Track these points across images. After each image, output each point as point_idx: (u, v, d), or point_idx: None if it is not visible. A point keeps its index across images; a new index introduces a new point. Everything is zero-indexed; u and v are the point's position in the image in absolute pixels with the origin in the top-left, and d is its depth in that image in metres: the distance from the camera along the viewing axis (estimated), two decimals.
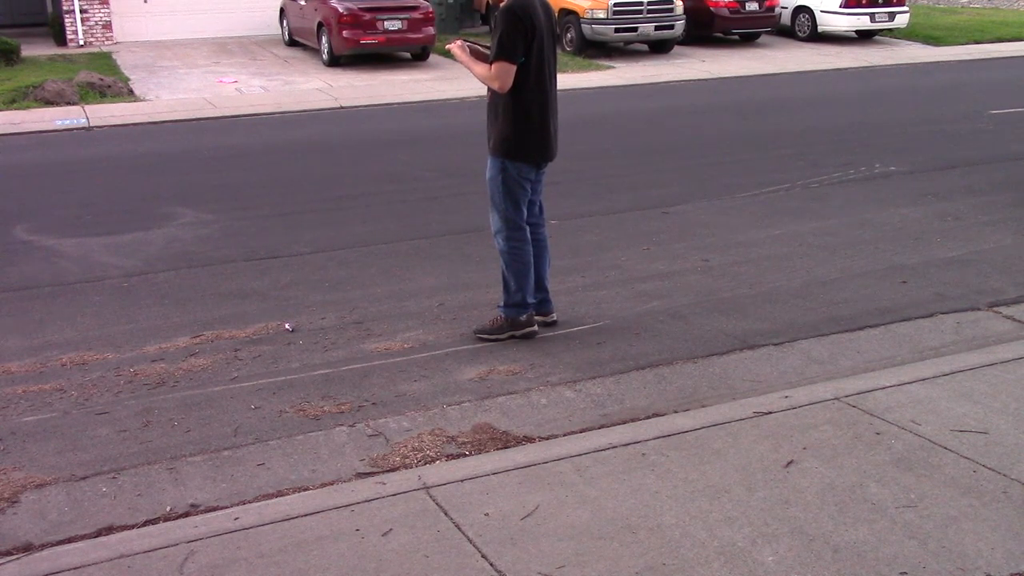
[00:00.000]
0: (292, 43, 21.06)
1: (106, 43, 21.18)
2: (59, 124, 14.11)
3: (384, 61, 19.55)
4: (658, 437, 5.13)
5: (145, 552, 4.21)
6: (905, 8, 22.65)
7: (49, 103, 15.23)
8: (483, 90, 6.42)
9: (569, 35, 20.11)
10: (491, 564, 4.08)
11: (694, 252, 8.37)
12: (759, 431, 5.18)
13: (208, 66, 18.98)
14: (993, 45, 22.82)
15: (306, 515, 4.47)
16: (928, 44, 22.77)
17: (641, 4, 19.54)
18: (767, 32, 22.58)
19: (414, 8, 18.74)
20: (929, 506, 4.47)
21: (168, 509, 4.71)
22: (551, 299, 6.71)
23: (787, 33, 23.16)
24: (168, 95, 16.17)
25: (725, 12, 21.24)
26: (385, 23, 18.38)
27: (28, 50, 19.35)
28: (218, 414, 5.65)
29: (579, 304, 7.25)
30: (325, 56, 18.87)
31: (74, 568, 4.12)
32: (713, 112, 15.36)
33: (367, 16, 18.18)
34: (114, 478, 4.98)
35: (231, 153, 12.76)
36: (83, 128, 14.06)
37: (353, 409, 5.70)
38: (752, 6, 21.31)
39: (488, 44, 6.16)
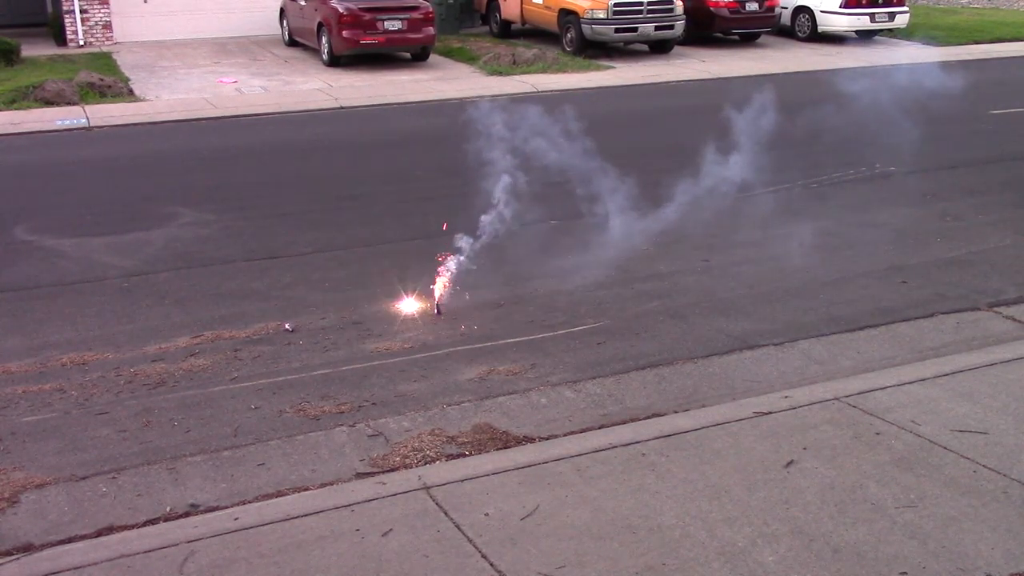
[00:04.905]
0: (292, 43, 21.04)
1: (106, 43, 21.15)
2: (59, 124, 14.09)
3: (384, 61, 19.54)
4: (658, 437, 5.13)
5: (145, 552, 4.21)
6: (905, 8, 22.62)
7: (49, 103, 15.21)
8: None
9: (569, 35, 20.09)
10: (491, 564, 4.09)
11: (694, 252, 8.37)
12: (759, 431, 5.18)
13: (208, 66, 18.96)
14: (993, 45, 22.80)
15: (306, 515, 4.47)
16: (928, 44, 22.76)
17: (641, 4, 19.51)
18: (767, 32, 22.55)
19: (414, 8, 18.73)
20: (929, 506, 4.47)
21: (168, 509, 4.71)
22: None
23: (787, 33, 23.13)
24: (168, 95, 16.16)
25: (725, 12, 21.22)
26: (385, 23, 18.37)
27: (28, 50, 19.33)
28: (218, 414, 5.65)
29: (579, 304, 7.25)
30: (325, 56, 18.86)
31: (74, 568, 4.12)
32: (712, 112, 15.33)
33: (367, 16, 18.17)
34: (114, 478, 4.98)
35: (231, 153, 12.75)
36: (83, 128, 14.05)
37: (353, 409, 5.70)
38: (752, 6, 21.29)
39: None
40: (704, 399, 5.79)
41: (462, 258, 7.41)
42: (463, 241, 7.50)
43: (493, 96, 15.91)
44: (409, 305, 7.21)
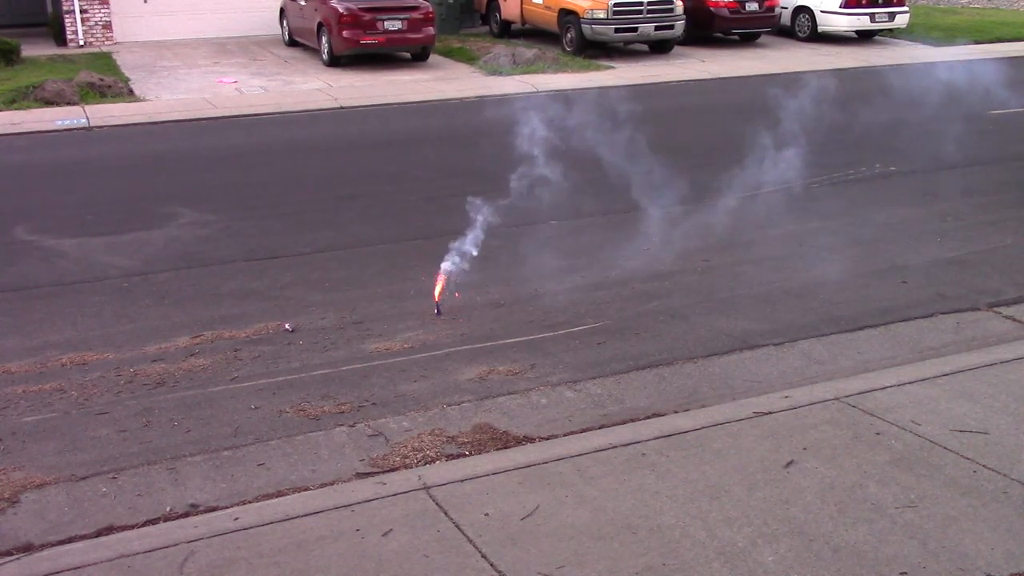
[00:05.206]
0: (292, 43, 21.03)
1: (106, 43, 21.14)
2: (59, 124, 14.09)
3: (384, 61, 19.54)
4: (658, 437, 5.13)
5: (145, 552, 4.21)
6: (905, 8, 22.62)
7: (49, 103, 15.21)
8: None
9: (569, 35, 20.08)
10: (491, 564, 4.09)
11: (694, 252, 8.37)
12: (759, 431, 5.18)
13: (208, 66, 18.96)
14: (993, 45, 22.80)
15: (306, 515, 4.47)
16: (928, 44, 22.75)
17: (641, 4, 19.51)
18: (767, 32, 22.55)
19: (414, 8, 18.73)
20: (929, 506, 4.47)
21: (168, 509, 4.71)
22: None
23: (787, 33, 23.12)
24: (168, 95, 16.16)
25: (725, 12, 21.22)
26: (385, 23, 18.37)
27: (28, 50, 19.32)
28: (218, 414, 5.65)
29: (579, 304, 7.25)
30: (325, 56, 18.85)
31: (74, 568, 4.12)
32: (712, 112, 15.36)
33: (367, 16, 18.17)
34: (114, 478, 4.98)
35: (231, 153, 12.76)
36: (83, 128, 14.05)
37: (353, 409, 5.70)
38: (752, 6, 21.29)
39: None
40: (704, 399, 5.79)
41: (462, 258, 7.41)
42: (463, 241, 7.50)
43: (493, 96, 15.93)
44: (409, 305, 7.20)
